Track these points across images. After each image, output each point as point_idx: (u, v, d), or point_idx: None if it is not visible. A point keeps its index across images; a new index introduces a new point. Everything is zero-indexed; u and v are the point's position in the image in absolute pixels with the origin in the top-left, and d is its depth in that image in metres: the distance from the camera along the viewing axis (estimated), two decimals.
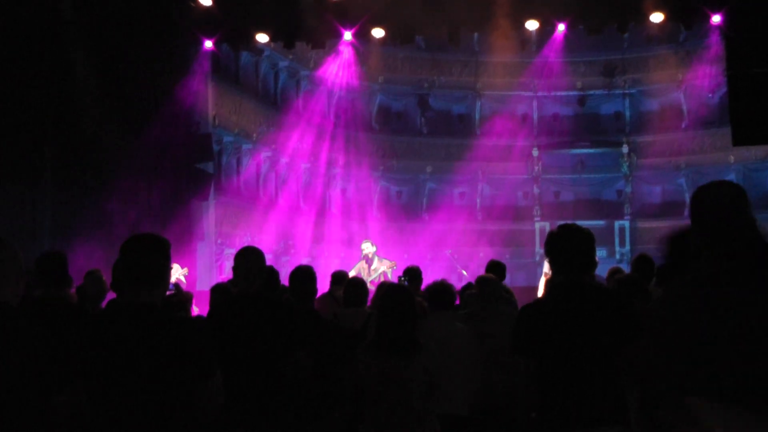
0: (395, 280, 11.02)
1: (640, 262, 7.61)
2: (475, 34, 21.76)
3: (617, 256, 22.56)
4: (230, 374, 4.62)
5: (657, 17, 15.28)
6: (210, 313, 5.46)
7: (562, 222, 4.46)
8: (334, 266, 14.06)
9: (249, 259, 5.06)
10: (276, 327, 4.92)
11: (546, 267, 13.29)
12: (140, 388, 3.37)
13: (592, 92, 24.72)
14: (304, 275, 5.66)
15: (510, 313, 6.96)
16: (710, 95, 22.90)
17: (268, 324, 4.90)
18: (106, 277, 6.90)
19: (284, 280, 6.41)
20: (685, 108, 23.74)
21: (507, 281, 9.36)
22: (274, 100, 22.16)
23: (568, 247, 4.16)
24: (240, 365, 4.78)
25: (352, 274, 11.56)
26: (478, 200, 24.88)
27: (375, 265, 13.90)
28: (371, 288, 9.27)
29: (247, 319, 4.92)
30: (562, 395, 4.02)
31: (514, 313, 7.37)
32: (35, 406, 3.40)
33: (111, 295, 6.37)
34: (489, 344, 6.69)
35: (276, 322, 4.94)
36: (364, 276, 13.22)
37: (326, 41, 17.18)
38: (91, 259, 11.66)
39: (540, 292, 13.19)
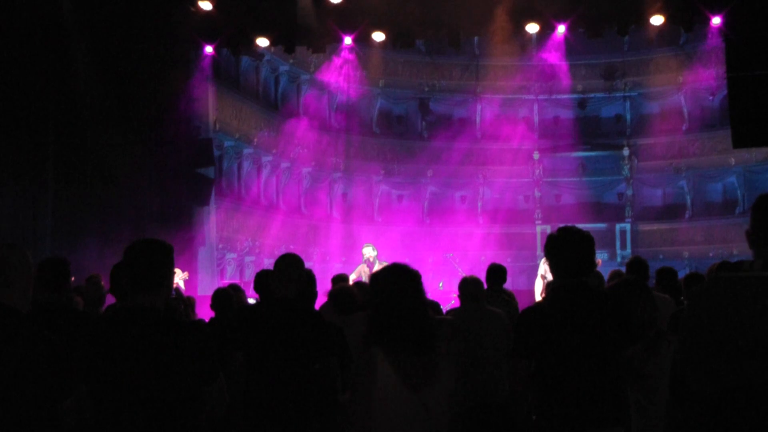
0: None
1: (635, 265, 7.65)
2: (476, 38, 21.78)
3: (618, 259, 22.54)
4: (254, 376, 4.90)
5: (657, 20, 15.29)
6: (240, 315, 5.48)
7: (563, 225, 4.47)
8: (335, 270, 14.07)
9: (283, 266, 5.18)
10: (303, 333, 5.00)
11: (542, 269, 13.32)
12: (144, 392, 3.38)
13: (592, 95, 24.76)
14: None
15: (497, 313, 7.08)
16: (710, 98, 22.93)
17: (299, 330, 5.00)
18: (105, 282, 6.91)
19: None
20: (685, 110, 23.76)
21: (508, 284, 9.37)
22: (274, 105, 22.19)
23: (568, 250, 4.16)
24: (266, 369, 4.91)
25: (352, 277, 11.57)
26: (479, 203, 24.89)
27: (376, 269, 13.90)
28: None
29: (275, 323, 5.00)
30: (562, 397, 4.03)
31: (509, 314, 7.46)
32: (41, 410, 3.41)
33: (110, 299, 6.38)
34: (470, 341, 6.85)
35: (304, 329, 5.02)
36: (365, 280, 13.23)
37: (326, 46, 17.19)
38: (91, 262, 11.68)
39: (537, 294, 13.22)
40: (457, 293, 7.48)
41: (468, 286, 7.24)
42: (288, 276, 5.13)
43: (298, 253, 5.65)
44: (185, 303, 8.26)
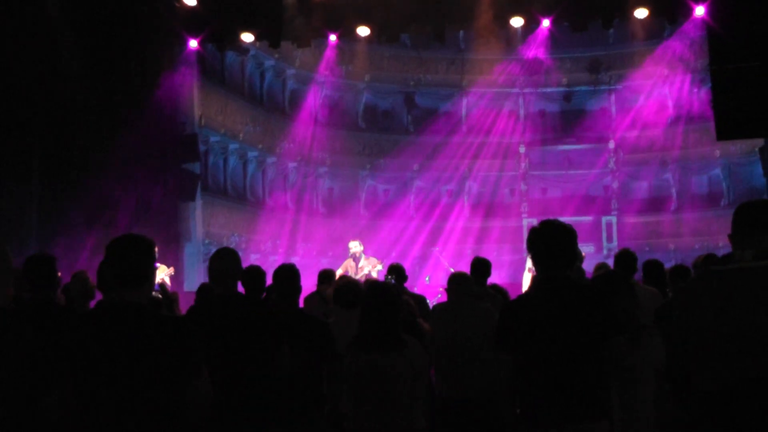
0: (382, 279, 11.05)
1: (623, 257, 7.66)
2: (461, 32, 21.78)
3: (605, 252, 22.62)
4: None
5: (641, 13, 15.37)
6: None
7: (549, 218, 4.48)
8: (321, 265, 14.08)
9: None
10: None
11: (529, 263, 13.36)
12: (130, 388, 3.38)
13: (577, 88, 24.76)
14: (288, 273, 5.69)
15: (486, 309, 7.07)
16: (695, 90, 22.99)
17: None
18: (93, 278, 6.90)
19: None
20: (670, 103, 23.81)
21: (494, 278, 9.38)
22: (260, 100, 22.13)
23: (550, 243, 4.17)
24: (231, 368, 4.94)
25: (339, 272, 11.58)
26: (465, 197, 24.89)
27: (362, 264, 13.93)
28: None
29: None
30: (545, 391, 4.04)
31: (493, 310, 7.50)
32: (25, 406, 3.41)
33: (99, 296, 6.37)
34: (460, 338, 6.87)
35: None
36: (351, 275, 13.24)
37: (312, 40, 17.17)
38: (77, 258, 11.66)
39: (524, 288, 13.26)
40: (444, 288, 7.49)
41: (455, 281, 7.25)
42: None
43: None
44: (169, 298, 8.24)
